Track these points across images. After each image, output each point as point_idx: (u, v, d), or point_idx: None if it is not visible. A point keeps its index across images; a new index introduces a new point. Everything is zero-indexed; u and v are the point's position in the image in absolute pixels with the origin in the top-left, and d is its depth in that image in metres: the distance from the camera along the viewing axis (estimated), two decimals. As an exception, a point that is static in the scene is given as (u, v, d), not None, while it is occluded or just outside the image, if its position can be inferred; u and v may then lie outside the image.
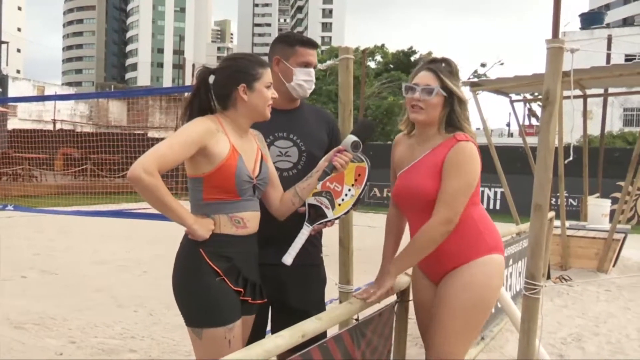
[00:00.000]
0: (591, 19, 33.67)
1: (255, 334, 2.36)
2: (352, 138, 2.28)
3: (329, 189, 2.33)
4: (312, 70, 2.55)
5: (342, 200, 2.31)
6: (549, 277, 7.04)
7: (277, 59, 2.56)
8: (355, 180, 2.32)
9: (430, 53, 34.87)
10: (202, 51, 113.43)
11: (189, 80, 28.89)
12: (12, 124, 30.27)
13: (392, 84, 27.91)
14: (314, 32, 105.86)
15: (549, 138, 3.40)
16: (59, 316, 5.00)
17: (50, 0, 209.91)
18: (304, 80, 2.53)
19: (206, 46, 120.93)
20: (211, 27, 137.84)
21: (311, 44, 2.57)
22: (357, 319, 2.47)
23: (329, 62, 4.03)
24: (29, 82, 43.12)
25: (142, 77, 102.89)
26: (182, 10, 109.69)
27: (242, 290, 2.20)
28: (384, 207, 16.95)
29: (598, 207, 8.77)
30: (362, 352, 2.46)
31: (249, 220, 2.23)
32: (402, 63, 32.28)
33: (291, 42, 2.55)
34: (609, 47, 12.61)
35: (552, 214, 6.97)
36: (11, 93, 37.72)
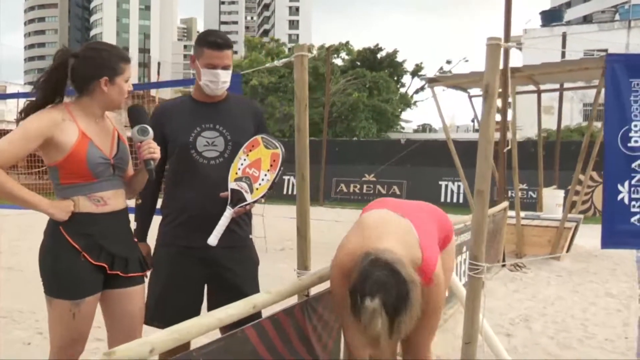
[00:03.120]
0: (551, 17, 34.44)
1: (190, 312, 2.49)
2: (134, 130, 2.40)
3: (248, 174, 2.53)
4: (218, 72, 2.65)
5: (259, 184, 2.52)
6: (504, 264, 7.36)
7: (192, 57, 2.75)
8: (271, 165, 2.54)
9: (396, 51, 35.24)
10: (168, 49, 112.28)
11: (154, 78, 28.73)
12: (-28, 124, 29.65)
13: (357, 80, 28.16)
14: (280, 30, 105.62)
15: (489, 130, 3.64)
16: (26, 310, 5.08)
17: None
18: (209, 81, 2.67)
19: (172, 44, 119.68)
20: (177, 25, 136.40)
21: (217, 46, 2.65)
22: (307, 295, 2.67)
23: (283, 60, 4.20)
24: (-10, 82, 42.23)
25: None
26: (147, 8, 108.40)
27: (104, 265, 2.34)
28: (350, 202, 17.20)
29: (552, 198, 9.15)
30: (314, 326, 2.65)
31: (110, 198, 2.38)
32: (368, 60, 32.55)
33: (201, 43, 2.68)
34: (564, 44, 13.02)
35: (505, 204, 7.28)
36: (-29, 93, 36.87)
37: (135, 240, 2.62)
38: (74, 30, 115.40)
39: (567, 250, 8.55)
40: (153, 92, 17.65)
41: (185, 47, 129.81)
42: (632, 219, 3.92)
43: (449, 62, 36.73)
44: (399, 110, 32.65)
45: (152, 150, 2.37)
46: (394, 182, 17.39)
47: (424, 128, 47.66)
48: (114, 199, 2.40)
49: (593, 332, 4.71)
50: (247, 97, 3.09)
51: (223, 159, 2.69)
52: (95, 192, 2.34)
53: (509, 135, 7.88)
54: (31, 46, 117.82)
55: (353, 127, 27.29)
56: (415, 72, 34.60)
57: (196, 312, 2.64)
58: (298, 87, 4.02)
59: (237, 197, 2.54)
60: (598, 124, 10.17)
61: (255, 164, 2.55)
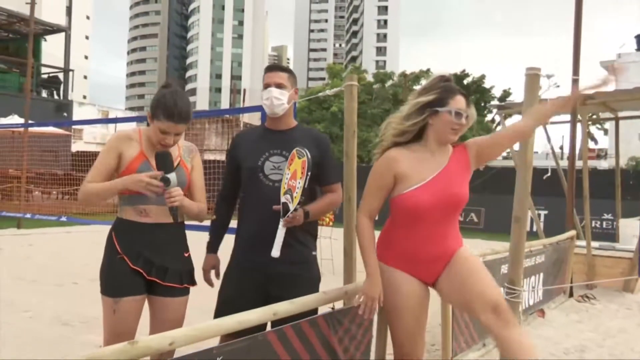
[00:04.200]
0: (648, 41, 33.06)
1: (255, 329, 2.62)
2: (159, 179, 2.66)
3: (291, 186, 2.77)
4: (272, 90, 2.97)
5: (297, 193, 2.74)
6: (571, 295, 7.18)
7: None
8: (302, 173, 2.75)
9: (483, 76, 34.83)
10: (259, 76, 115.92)
11: (245, 103, 29.96)
12: (77, 146, 31.91)
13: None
14: (368, 57, 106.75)
15: (527, 157, 3.75)
16: (101, 316, 5.54)
17: (115, 29, 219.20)
18: (265, 99, 3.00)
19: (263, 71, 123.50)
20: (268, 53, 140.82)
21: (269, 69, 3.06)
22: (332, 308, 2.86)
23: (335, 89, 4.46)
24: (94, 107, 45.40)
25: (201, 101, 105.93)
26: (240, 37, 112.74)
27: (141, 270, 2.65)
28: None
29: (629, 228, 8.81)
30: (340, 338, 2.84)
31: (152, 211, 2.70)
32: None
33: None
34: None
35: (572, 232, 7.14)
36: (76, 117, 39.83)
37: (187, 254, 2.91)
38: (172, 59, 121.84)
39: (644, 284, 8.21)
40: (246, 117, 18.46)
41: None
42: None
43: (558, 85, 35.66)
44: (477, 136, 32.08)
45: (173, 199, 2.65)
46: (471, 209, 17.17)
47: (507, 155, 46.20)
48: (158, 213, 2.72)
49: (650, 366, 4.58)
50: (313, 128, 3.40)
51: None
52: (140, 204, 2.70)
53: (580, 163, 7.73)
54: (132, 74, 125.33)
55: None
56: (503, 98, 34.01)
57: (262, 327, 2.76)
58: (347, 114, 4.30)
59: (285, 209, 2.77)
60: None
61: (294, 175, 2.80)
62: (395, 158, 2.67)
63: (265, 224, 2.86)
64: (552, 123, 9.15)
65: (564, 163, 8.71)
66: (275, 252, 2.76)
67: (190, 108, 2.78)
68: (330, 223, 8.67)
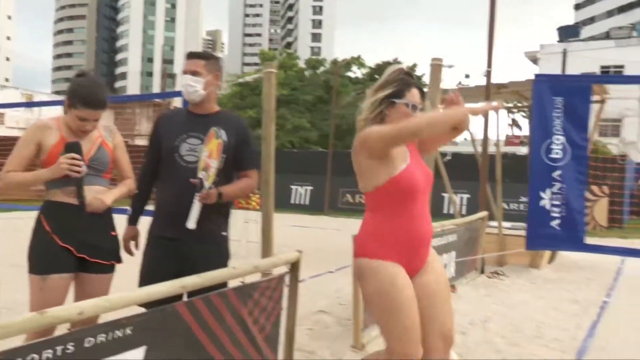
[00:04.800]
0: (568, 32, 34.63)
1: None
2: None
3: (207, 164, 2.95)
4: (186, 77, 3.10)
5: (212, 172, 2.92)
6: (483, 272, 7.66)
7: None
8: (217, 154, 2.93)
9: (415, 65, 35.55)
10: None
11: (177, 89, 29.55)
12: (-1, 131, 30.64)
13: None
14: (303, 43, 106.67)
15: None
16: (24, 301, 5.52)
17: (41, 10, 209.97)
18: (181, 86, 3.15)
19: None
20: (202, 37, 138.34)
21: (187, 55, 3.18)
22: (242, 282, 3.06)
23: (254, 75, 4.63)
24: (17, 91, 43.51)
25: (132, 86, 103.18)
26: (173, 20, 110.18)
27: (70, 247, 2.82)
28: (355, 212, 17.54)
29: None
30: (250, 310, 3.04)
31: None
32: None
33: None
34: (563, 61, 13.27)
35: (483, 213, 7.60)
36: (-2, 101, 38.06)
37: (114, 234, 3.08)
38: (101, 41, 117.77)
39: (552, 261, 8.82)
40: (178, 102, 18.35)
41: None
42: (552, 223, 4.25)
43: (467, 76, 36.76)
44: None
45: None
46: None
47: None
48: (87, 193, 2.88)
49: (544, 333, 5.01)
50: (235, 115, 3.52)
51: None
52: (68, 186, 2.84)
53: (492, 148, 8.20)
54: (59, 56, 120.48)
55: (363, 140, 27.56)
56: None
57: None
58: (266, 101, 4.49)
59: (201, 185, 2.96)
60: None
61: (210, 154, 2.98)
62: None
63: (179, 202, 3.02)
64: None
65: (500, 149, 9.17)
66: (191, 224, 2.95)
67: (107, 95, 2.95)
68: (257, 207, 8.85)
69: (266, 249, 4.39)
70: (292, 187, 20.08)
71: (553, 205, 4.24)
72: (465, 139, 20.70)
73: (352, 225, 3.13)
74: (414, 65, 34.40)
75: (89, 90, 2.84)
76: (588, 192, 15.46)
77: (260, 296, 3.11)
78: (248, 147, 3.20)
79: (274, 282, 3.23)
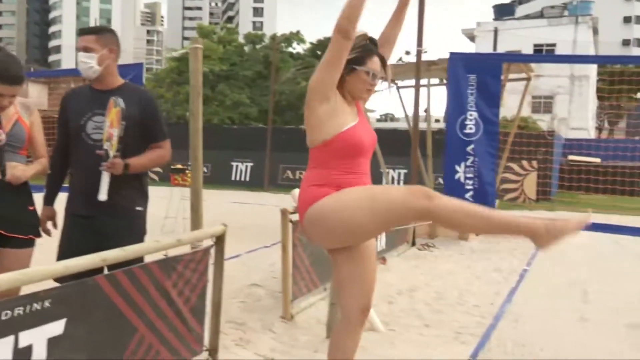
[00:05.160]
0: (503, 10, 35.55)
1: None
2: None
3: (110, 134, 2.98)
4: (80, 54, 3.11)
5: (114, 140, 2.97)
6: (414, 244, 7.92)
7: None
8: (117, 122, 2.99)
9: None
10: (130, 34, 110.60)
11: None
12: None
13: (306, 70, 28.66)
14: (245, 17, 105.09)
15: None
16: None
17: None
18: (79, 62, 3.15)
19: (135, 29, 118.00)
20: (140, 10, 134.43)
21: (79, 32, 3.21)
22: (165, 255, 3.11)
23: (180, 51, 4.62)
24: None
25: (67, 60, 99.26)
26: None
27: None
28: (294, 188, 17.62)
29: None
30: (174, 283, 3.10)
31: None
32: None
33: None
34: (495, 39, 13.66)
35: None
36: None
37: (32, 208, 3.07)
38: (32, 13, 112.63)
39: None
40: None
41: (148, 32, 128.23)
42: (467, 195, 4.49)
43: (408, 52, 37.23)
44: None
45: None
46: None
47: (386, 117, 48.00)
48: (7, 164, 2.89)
49: (466, 300, 5.28)
50: (140, 88, 3.50)
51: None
52: None
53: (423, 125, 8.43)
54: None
55: (301, 115, 27.65)
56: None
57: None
58: (193, 77, 4.48)
59: (107, 156, 3.00)
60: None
61: (112, 123, 3.01)
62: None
63: (90, 180, 3.05)
64: (403, 87, 9.84)
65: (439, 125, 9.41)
66: (102, 195, 3.00)
67: (22, 70, 2.93)
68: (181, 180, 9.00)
69: (195, 224, 4.42)
70: (233, 163, 20.02)
71: (467, 177, 4.47)
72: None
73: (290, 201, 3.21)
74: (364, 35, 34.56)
75: (4, 65, 2.81)
76: (518, 166, 16.11)
77: (185, 269, 3.17)
78: (154, 119, 3.23)
79: (199, 255, 3.30)
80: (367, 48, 2.70)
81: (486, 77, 4.39)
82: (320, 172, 2.67)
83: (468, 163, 4.38)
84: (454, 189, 4.49)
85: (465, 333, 4.35)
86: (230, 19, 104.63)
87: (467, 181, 4.48)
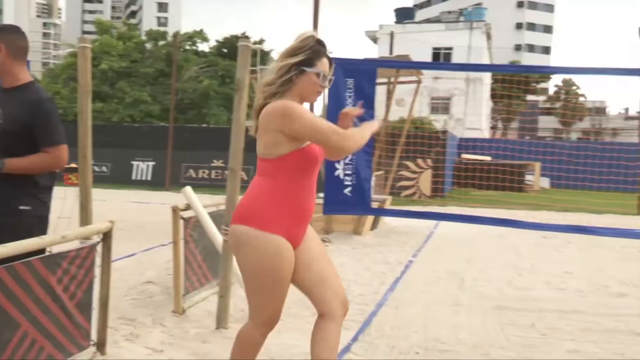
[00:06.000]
0: (404, 15, 36.95)
1: None
2: None
3: None
4: None
5: None
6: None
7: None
8: None
9: (262, 40, 35.77)
10: (25, 26, 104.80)
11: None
12: None
13: (209, 68, 28.54)
14: (149, 12, 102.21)
15: (240, 117, 4.36)
16: None
17: None
18: None
19: (29, 21, 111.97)
20: (35, 1, 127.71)
21: None
22: (49, 252, 3.17)
23: (68, 50, 4.64)
24: None
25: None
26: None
27: None
28: (199, 187, 17.55)
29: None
30: (59, 278, 3.17)
31: None
32: (235, 48, 32.94)
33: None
34: (391, 42, 14.27)
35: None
36: None
37: None
38: None
39: (374, 228, 9.64)
40: None
41: (44, 24, 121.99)
42: (345, 191, 4.84)
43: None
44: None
45: None
46: (242, 167, 18.10)
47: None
48: None
49: (352, 290, 5.60)
50: (37, 90, 3.39)
51: None
52: None
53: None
54: None
55: (204, 114, 27.71)
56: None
57: None
58: (81, 75, 4.53)
59: None
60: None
61: None
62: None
63: None
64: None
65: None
66: None
67: None
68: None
69: (84, 222, 4.47)
70: (134, 162, 19.62)
71: (346, 174, 4.81)
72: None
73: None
74: (261, 41, 34.64)
75: None
76: (414, 164, 16.88)
77: (70, 265, 3.25)
78: (42, 124, 3.16)
79: (85, 252, 3.38)
80: (315, 49, 2.68)
81: (362, 81, 4.72)
82: (268, 184, 2.62)
83: (347, 161, 4.72)
84: (333, 185, 4.81)
85: (348, 320, 4.64)
86: (133, 14, 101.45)
87: (346, 177, 4.82)
